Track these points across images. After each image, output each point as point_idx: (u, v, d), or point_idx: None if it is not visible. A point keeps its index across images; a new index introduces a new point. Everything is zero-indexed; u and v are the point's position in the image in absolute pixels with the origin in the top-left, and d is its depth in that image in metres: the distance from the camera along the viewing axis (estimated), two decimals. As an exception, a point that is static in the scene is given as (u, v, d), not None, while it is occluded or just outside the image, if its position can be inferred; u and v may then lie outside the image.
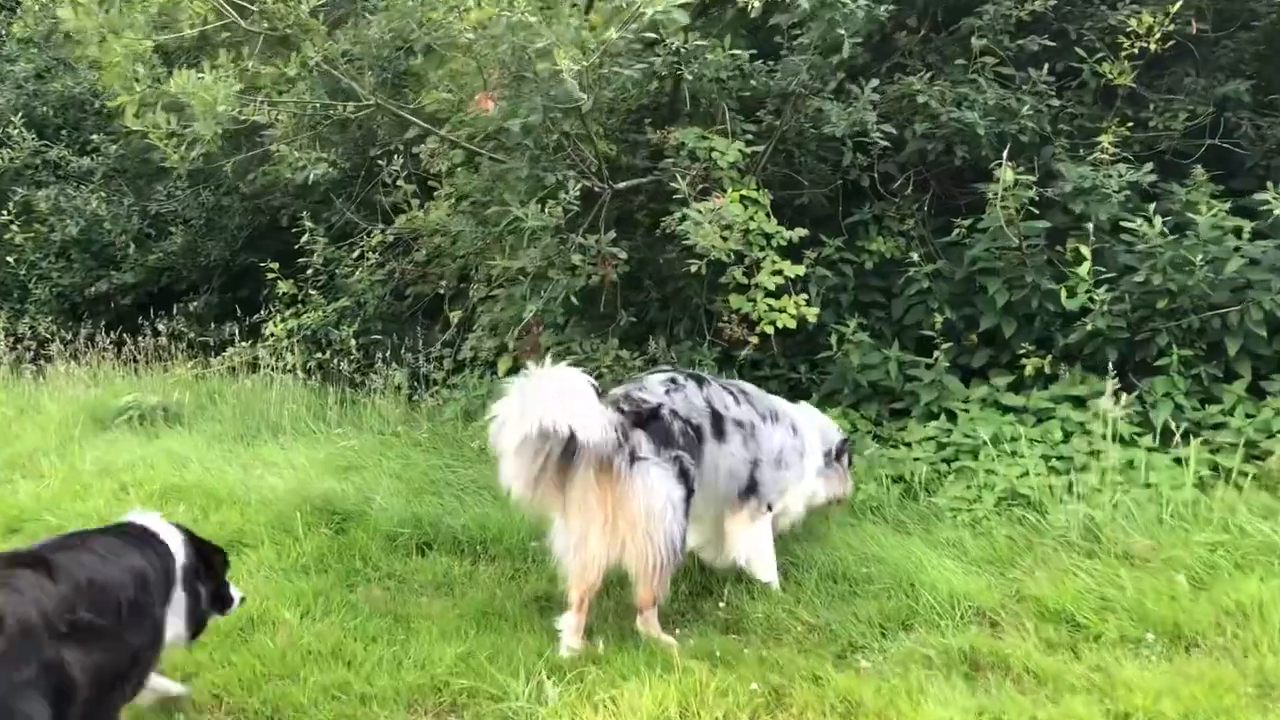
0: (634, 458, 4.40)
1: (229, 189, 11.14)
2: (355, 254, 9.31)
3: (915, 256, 6.88)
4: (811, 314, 6.23)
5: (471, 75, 6.22)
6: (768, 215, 6.26)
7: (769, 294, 6.13)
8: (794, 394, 6.96)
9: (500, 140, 6.40)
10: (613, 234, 6.06)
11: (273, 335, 9.07)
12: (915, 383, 6.97)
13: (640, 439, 4.45)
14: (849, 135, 6.54)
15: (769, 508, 5.04)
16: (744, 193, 6.31)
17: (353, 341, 9.22)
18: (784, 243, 6.32)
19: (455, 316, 8.38)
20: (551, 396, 4.14)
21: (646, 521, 4.41)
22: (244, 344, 9.46)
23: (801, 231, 6.40)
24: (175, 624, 3.93)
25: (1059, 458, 6.27)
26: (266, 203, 10.84)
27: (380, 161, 9.86)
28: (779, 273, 6.16)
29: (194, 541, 4.13)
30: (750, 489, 4.93)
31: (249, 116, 5.93)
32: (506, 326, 7.00)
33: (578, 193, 5.87)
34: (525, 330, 6.50)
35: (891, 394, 7.03)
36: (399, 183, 7.35)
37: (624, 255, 6.08)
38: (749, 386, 5.14)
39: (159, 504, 6.79)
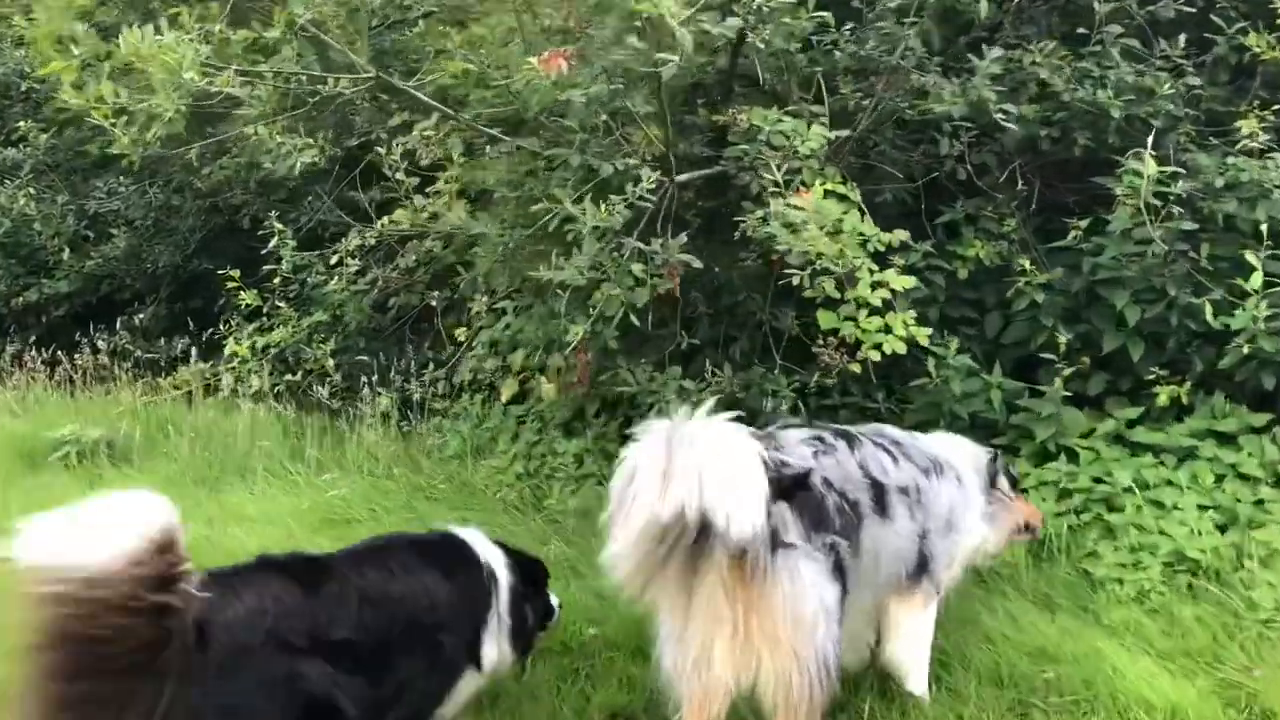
0: (777, 544, 3.20)
1: (180, 185, 9.75)
2: (333, 259, 8.00)
3: (1026, 264, 5.74)
4: (923, 335, 5.07)
5: (501, 40, 4.97)
6: (861, 214, 5.08)
7: (873, 310, 4.95)
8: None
9: (543, 121, 5.15)
10: (683, 237, 4.84)
11: (236, 355, 7.73)
12: (1023, 414, 5.84)
13: (785, 518, 3.24)
14: (962, 117, 5.39)
15: (938, 588, 3.87)
16: (828, 186, 5.14)
17: (330, 362, 7.92)
18: (879, 248, 5.15)
19: (461, 334, 7.11)
20: (708, 470, 2.91)
21: (793, 634, 3.20)
22: (201, 364, 8.11)
23: (902, 234, 5.24)
24: (493, 650, 3.61)
25: (1214, 507, 5.18)
26: (226, 201, 9.47)
27: (359, 151, 8.59)
28: (881, 284, 4.99)
29: (518, 560, 3.83)
30: (920, 569, 3.75)
31: (222, 88, 4.63)
32: (534, 349, 5.76)
33: (652, 185, 4.64)
34: (568, 356, 5.26)
35: (992, 428, 5.89)
36: (399, 175, 6.03)
37: (699, 263, 4.86)
38: (897, 433, 3.96)
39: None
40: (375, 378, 7.86)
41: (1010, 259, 5.96)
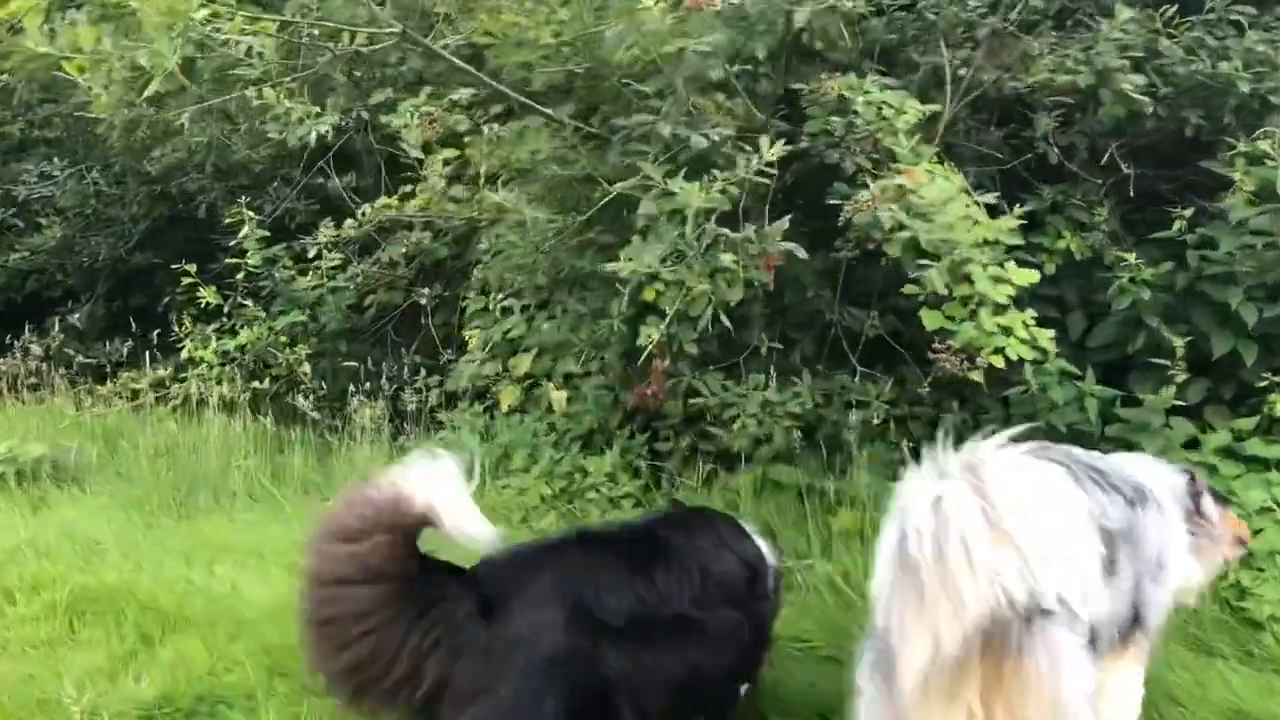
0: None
1: (123, 169, 8.71)
2: (311, 252, 7.10)
3: (1130, 258, 5.12)
4: (1046, 337, 4.42)
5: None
6: (971, 199, 4.42)
7: (996, 309, 4.28)
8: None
9: (615, 85, 4.36)
10: (784, 222, 4.10)
11: (202, 361, 6.79)
12: (1119, 425, 5.23)
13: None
14: (1057, 91, 4.75)
15: (1150, 641, 3.19)
16: (926, 167, 4.46)
17: (306, 367, 7.03)
18: (986, 238, 4.48)
19: (473, 337, 6.27)
20: (1044, 539, 2.16)
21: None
22: (160, 370, 7.15)
23: (1013, 222, 4.58)
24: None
25: (1359, 533, 4.61)
26: (181, 187, 8.46)
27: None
28: (1002, 279, 4.33)
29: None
30: (1134, 622, 3.06)
31: (231, 34, 3.77)
32: (578, 353, 4.99)
33: (776, 155, 3.88)
34: (640, 365, 4.47)
35: (1086, 441, 5.27)
36: (416, 153, 5.19)
37: (804, 253, 4.13)
38: (1089, 455, 3.26)
39: (66, 622, 4.58)
40: (365, 385, 6.98)
41: (1102, 252, 5.36)
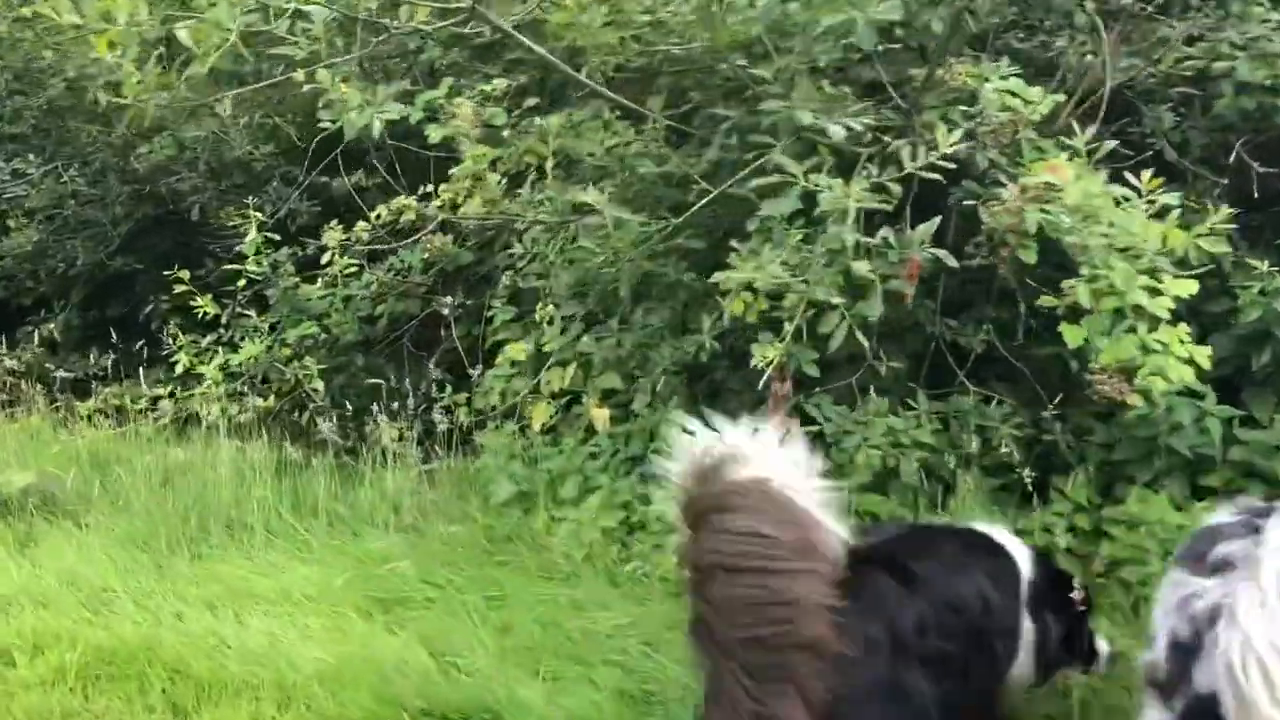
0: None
1: (103, 167, 7.99)
2: (325, 257, 6.47)
3: (1263, 265, 4.66)
4: (1203, 355, 3.92)
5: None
6: (1116, 200, 3.92)
7: (1153, 323, 3.78)
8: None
9: (729, 69, 3.79)
10: (932, 224, 3.57)
11: (205, 377, 6.13)
12: (1242, 448, 4.76)
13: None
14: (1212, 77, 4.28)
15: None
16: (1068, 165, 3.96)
17: (318, 384, 6.39)
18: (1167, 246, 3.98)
19: (516, 351, 5.67)
20: None
21: None
22: (138, 384, 6.48)
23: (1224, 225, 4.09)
24: (1020, 661, 2.99)
25: None
26: (170, 187, 7.76)
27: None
28: (1157, 290, 3.83)
29: (1043, 563, 3.22)
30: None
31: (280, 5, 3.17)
32: (662, 371, 4.43)
33: (951, 147, 3.35)
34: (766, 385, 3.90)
35: (1205, 467, 4.81)
36: (469, 152, 4.60)
37: (954, 261, 3.61)
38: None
39: (79, 689, 3.96)
40: (389, 404, 6.36)
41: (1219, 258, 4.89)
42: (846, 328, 3.44)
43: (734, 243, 3.94)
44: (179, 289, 7.01)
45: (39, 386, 8.02)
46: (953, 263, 3.62)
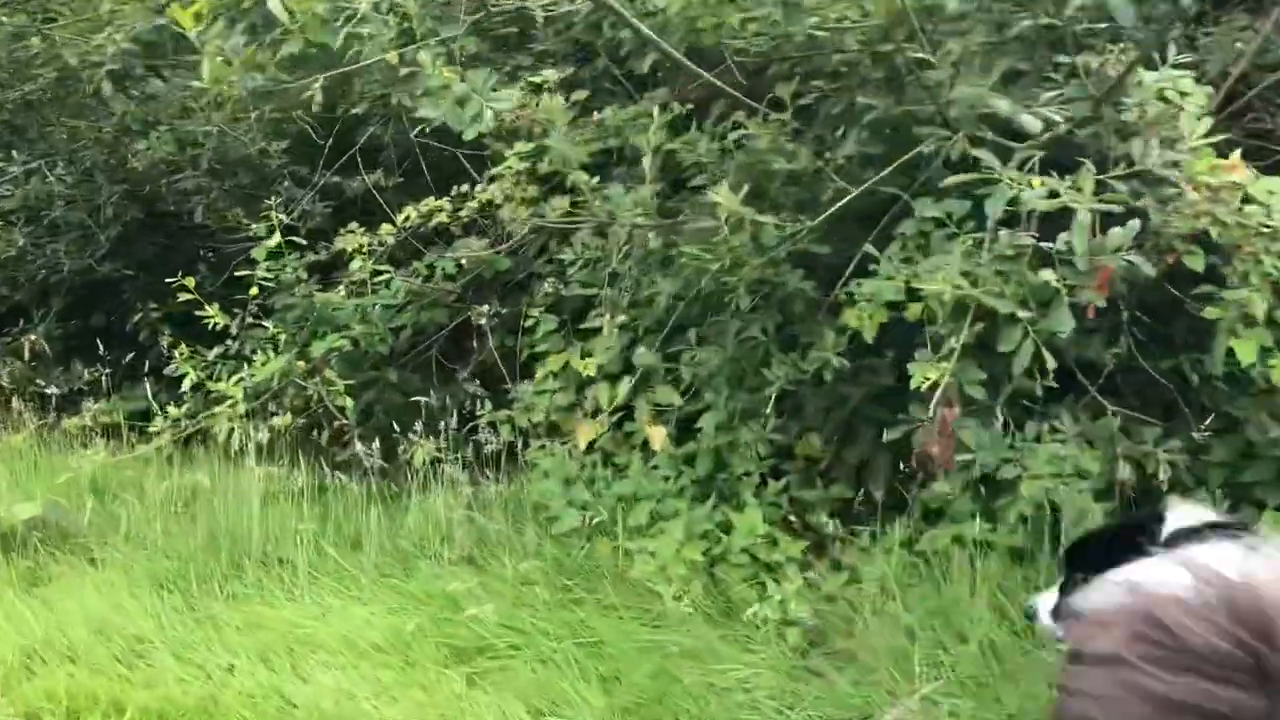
0: None
1: (92, 165, 7.36)
2: (355, 264, 5.95)
3: None
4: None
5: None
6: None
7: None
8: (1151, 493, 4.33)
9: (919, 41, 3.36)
10: (1134, 225, 3.17)
11: (231, 397, 5.57)
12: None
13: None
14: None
15: None
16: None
17: (347, 402, 5.86)
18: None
19: (589, 365, 5.20)
20: None
21: None
22: (163, 403, 5.90)
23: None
24: None
25: None
26: (171, 186, 7.17)
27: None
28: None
29: None
30: None
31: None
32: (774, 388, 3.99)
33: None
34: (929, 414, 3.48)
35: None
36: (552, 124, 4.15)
37: (1150, 269, 3.21)
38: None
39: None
40: (423, 422, 5.85)
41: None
42: (1031, 344, 3.04)
43: (869, 247, 3.52)
44: (182, 297, 6.44)
45: (23, 403, 7.41)
46: (1150, 271, 3.23)
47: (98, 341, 7.59)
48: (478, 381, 6.40)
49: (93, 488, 5.74)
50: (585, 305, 6.07)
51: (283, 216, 5.97)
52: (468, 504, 5.28)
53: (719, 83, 3.79)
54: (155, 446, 5.53)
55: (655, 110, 3.85)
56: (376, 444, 5.83)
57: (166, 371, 7.71)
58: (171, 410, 5.66)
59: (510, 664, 3.94)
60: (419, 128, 6.36)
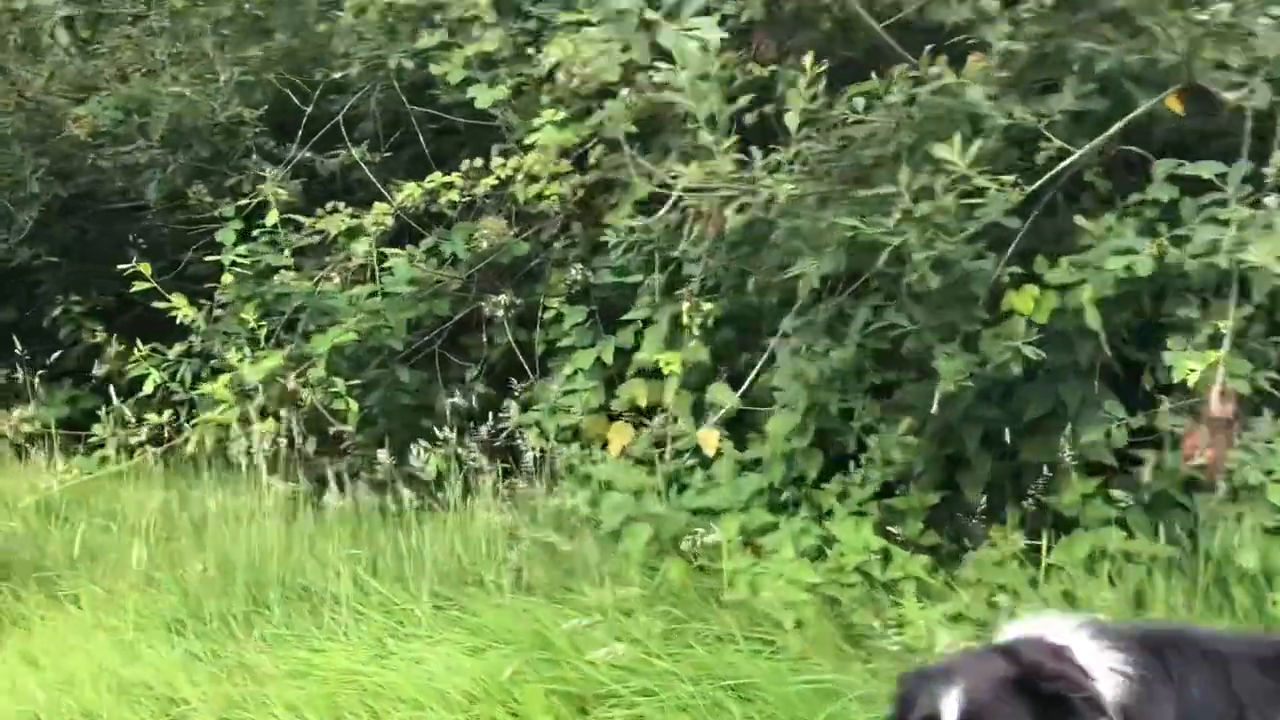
0: None
1: (10, 131, 6.32)
2: (361, 248, 5.18)
3: None
4: None
5: None
6: None
7: None
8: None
9: None
10: None
11: (221, 403, 4.73)
12: None
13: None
14: None
15: None
16: None
17: (351, 404, 5.09)
18: None
19: (675, 360, 4.54)
20: None
21: None
22: (164, 414, 5.02)
23: None
24: None
25: None
26: (119, 160, 6.18)
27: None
28: None
29: None
30: None
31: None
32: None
33: None
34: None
35: None
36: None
37: None
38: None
39: None
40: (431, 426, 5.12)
41: None
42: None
43: (1080, 220, 3.03)
44: (138, 286, 5.57)
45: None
46: None
47: (15, 339, 6.60)
48: (482, 382, 5.71)
49: (47, 510, 4.83)
50: (619, 294, 5.45)
51: (280, 191, 5.15)
52: (513, 520, 4.60)
53: (886, 37, 3.24)
54: (133, 462, 4.63)
55: (807, 60, 3.26)
56: (384, 453, 5.09)
57: (96, 372, 6.83)
58: (151, 418, 4.80)
59: (643, 713, 3.30)
60: (419, 94, 5.69)
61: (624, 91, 4.69)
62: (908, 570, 4.11)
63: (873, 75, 3.27)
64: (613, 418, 5.30)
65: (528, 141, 5.04)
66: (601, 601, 3.94)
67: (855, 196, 3.27)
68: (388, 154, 6.01)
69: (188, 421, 4.97)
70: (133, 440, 4.76)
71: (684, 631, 3.85)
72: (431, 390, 5.54)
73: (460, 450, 4.90)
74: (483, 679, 3.48)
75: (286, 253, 5.22)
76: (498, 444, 5.04)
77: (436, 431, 4.90)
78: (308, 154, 6.07)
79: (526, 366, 5.53)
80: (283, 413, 5.05)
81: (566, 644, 3.63)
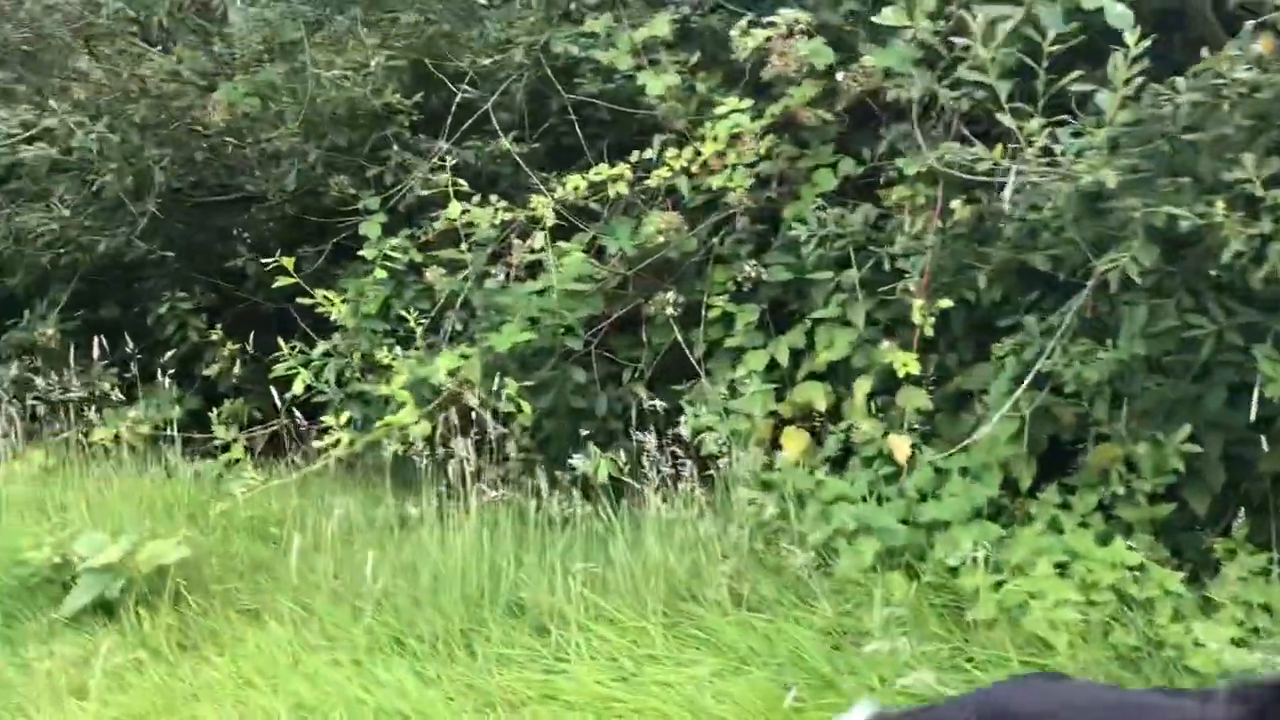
0: None
1: (139, 119, 5.99)
2: (537, 243, 4.90)
3: None
4: None
5: None
6: None
7: None
8: None
9: None
10: None
11: (403, 404, 4.44)
12: None
13: None
14: None
15: None
16: None
17: (525, 407, 4.80)
18: None
19: (910, 361, 4.25)
20: None
21: None
22: (341, 422, 4.70)
23: None
24: None
25: None
26: (256, 147, 5.87)
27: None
28: None
29: None
30: None
31: None
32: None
33: None
34: None
35: None
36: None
37: None
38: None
39: None
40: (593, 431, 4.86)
41: None
42: None
43: None
44: (282, 282, 5.28)
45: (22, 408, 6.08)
46: None
47: (126, 337, 6.32)
48: (641, 383, 5.42)
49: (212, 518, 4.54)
50: (786, 292, 5.18)
51: (459, 182, 4.86)
52: (717, 530, 4.32)
53: None
54: (320, 464, 4.33)
55: (1130, 35, 2.99)
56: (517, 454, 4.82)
57: (207, 371, 6.56)
58: (329, 419, 4.50)
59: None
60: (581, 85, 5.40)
61: (839, 75, 4.44)
62: (1167, 587, 3.85)
63: (1203, 52, 3.01)
64: (783, 421, 5.07)
65: (709, 131, 4.78)
66: (841, 622, 3.68)
67: (1174, 183, 3.00)
68: (535, 145, 5.71)
69: (340, 425, 4.66)
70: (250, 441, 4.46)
71: (932, 655, 3.58)
72: (588, 392, 5.25)
73: (626, 454, 4.65)
74: (756, 704, 3.20)
75: (467, 247, 4.90)
76: (672, 448, 4.77)
77: (590, 433, 4.65)
78: (443, 144, 5.78)
79: (689, 366, 5.25)
80: (453, 417, 4.80)
81: (829, 667, 3.36)
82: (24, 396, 6.21)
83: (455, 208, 4.78)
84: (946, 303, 4.16)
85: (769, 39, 4.48)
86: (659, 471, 4.60)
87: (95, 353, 6.23)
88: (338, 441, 4.38)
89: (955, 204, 4.12)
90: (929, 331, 4.18)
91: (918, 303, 4.17)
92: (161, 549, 3.91)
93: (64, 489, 5.08)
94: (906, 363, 4.16)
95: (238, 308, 6.91)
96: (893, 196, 4.57)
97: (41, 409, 5.90)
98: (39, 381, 5.87)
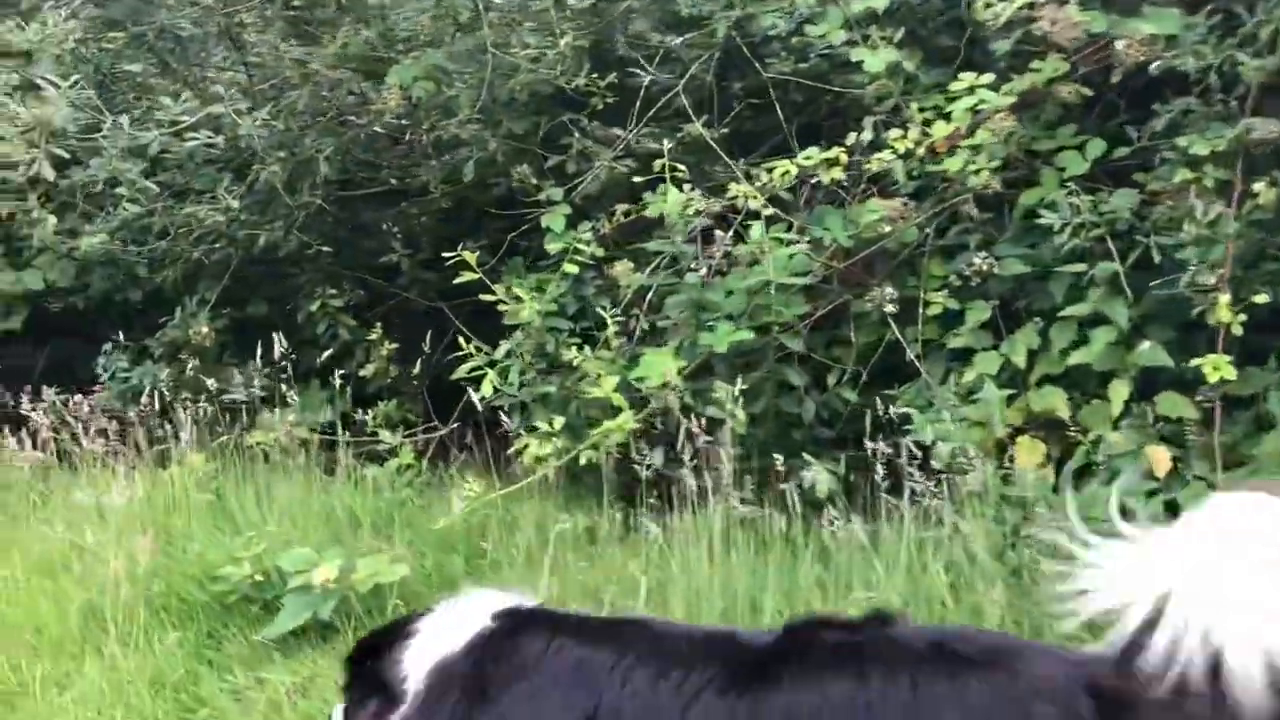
0: None
1: (304, 108, 5.66)
2: (759, 232, 4.48)
3: None
4: None
5: None
6: None
7: None
8: None
9: None
10: None
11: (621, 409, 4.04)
12: None
13: None
14: None
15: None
16: None
17: (739, 413, 4.35)
18: None
19: (1224, 365, 3.76)
20: None
21: None
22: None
23: None
24: None
25: None
26: (437, 138, 5.51)
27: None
28: None
29: None
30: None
31: None
32: None
33: None
34: None
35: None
36: None
37: None
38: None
39: None
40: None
41: None
42: None
43: None
44: (464, 277, 4.92)
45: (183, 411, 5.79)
46: None
47: (277, 337, 6.00)
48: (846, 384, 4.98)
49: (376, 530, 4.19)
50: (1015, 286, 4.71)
51: (681, 168, 4.45)
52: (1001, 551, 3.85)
53: None
54: (540, 474, 3.95)
55: None
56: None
57: (363, 372, 6.24)
58: (543, 425, 4.12)
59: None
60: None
61: (1119, 44, 3.98)
62: None
63: None
64: (1015, 430, 4.61)
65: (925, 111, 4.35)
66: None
67: None
68: (725, 130, 5.30)
69: (555, 430, 4.27)
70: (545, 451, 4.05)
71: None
72: (797, 396, 4.82)
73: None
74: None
75: (679, 240, 4.49)
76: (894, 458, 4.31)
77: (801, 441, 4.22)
78: (626, 131, 5.39)
79: (896, 368, 4.81)
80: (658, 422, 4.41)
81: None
82: (195, 398, 5.90)
83: (675, 197, 4.36)
84: (1263, 298, 3.65)
85: (1030, 4, 4.03)
86: (904, 483, 4.14)
87: (257, 352, 5.96)
88: (550, 450, 3.98)
89: (1258, 186, 3.64)
90: (1238, 330, 3.67)
91: (1223, 298, 3.67)
92: (379, 566, 3.56)
93: (236, 496, 4.76)
94: (1219, 365, 3.66)
95: (387, 304, 6.62)
96: (1159, 181, 4.10)
97: (208, 410, 5.58)
98: (210, 382, 5.55)
